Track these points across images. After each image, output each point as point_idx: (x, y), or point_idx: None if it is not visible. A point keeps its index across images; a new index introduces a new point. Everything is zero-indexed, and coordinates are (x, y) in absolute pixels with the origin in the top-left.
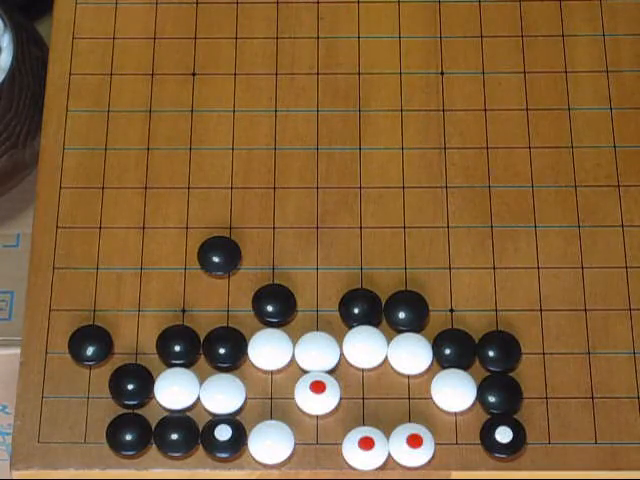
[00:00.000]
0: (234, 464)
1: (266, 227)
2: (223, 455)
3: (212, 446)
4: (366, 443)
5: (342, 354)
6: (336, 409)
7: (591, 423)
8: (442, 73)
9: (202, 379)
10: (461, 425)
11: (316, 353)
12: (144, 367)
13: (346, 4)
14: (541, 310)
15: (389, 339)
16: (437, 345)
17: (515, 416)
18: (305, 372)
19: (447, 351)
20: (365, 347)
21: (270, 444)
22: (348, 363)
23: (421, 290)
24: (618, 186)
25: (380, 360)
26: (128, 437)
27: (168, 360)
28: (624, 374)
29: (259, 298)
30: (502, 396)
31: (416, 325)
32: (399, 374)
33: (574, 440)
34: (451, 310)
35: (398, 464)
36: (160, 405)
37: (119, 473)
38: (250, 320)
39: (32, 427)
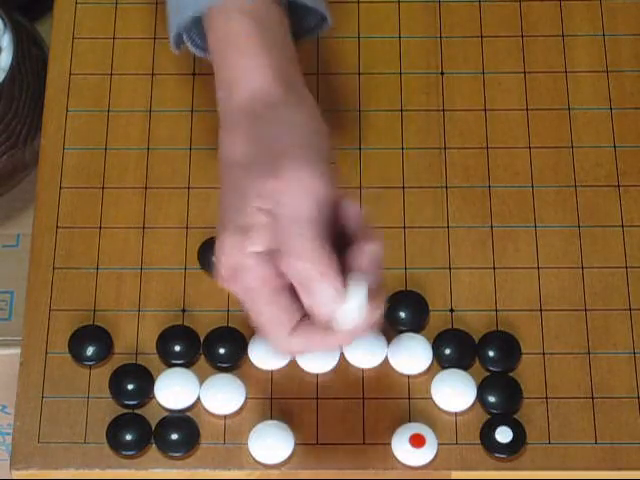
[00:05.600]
0: (234, 464)
1: None
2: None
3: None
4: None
5: (342, 354)
6: (336, 409)
7: (591, 423)
8: (442, 73)
9: (202, 379)
10: (461, 425)
11: (316, 353)
12: (144, 367)
13: (346, 4)
14: (541, 310)
15: (389, 339)
16: (437, 345)
17: (515, 416)
18: (305, 372)
19: (447, 351)
20: (365, 347)
21: (270, 444)
22: (348, 363)
23: (421, 290)
24: (618, 186)
25: (380, 360)
26: (128, 437)
27: (168, 360)
28: (624, 374)
29: None
30: (502, 396)
31: (416, 325)
32: (399, 374)
33: (574, 440)
34: (451, 310)
35: (401, 463)
36: (160, 405)
37: (119, 473)
38: (250, 320)
39: (32, 427)
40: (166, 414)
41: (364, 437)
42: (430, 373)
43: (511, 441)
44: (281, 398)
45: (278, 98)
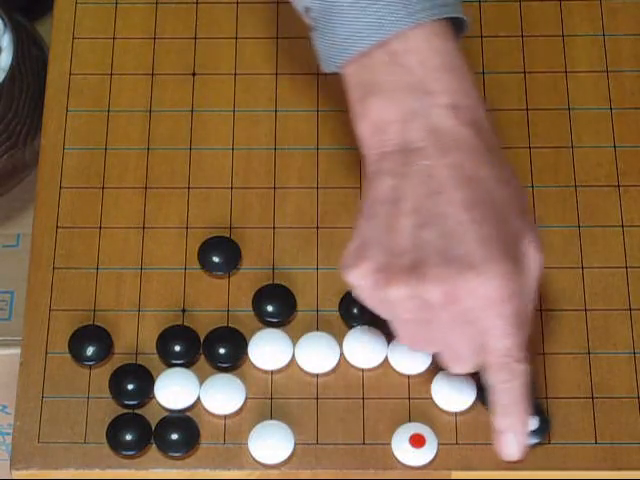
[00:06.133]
0: (234, 464)
1: (266, 227)
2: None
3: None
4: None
5: (342, 354)
6: (336, 409)
7: (591, 423)
8: None
9: (202, 379)
10: (461, 425)
11: (316, 353)
12: (144, 367)
13: None
14: (541, 310)
15: (389, 339)
16: None
17: None
18: (305, 372)
19: None
20: (365, 347)
21: (270, 444)
22: (348, 363)
23: None
24: (618, 186)
25: (380, 360)
26: (128, 437)
27: (168, 360)
28: (624, 374)
29: (259, 298)
30: None
31: None
32: (399, 374)
33: (574, 440)
34: None
35: (401, 463)
36: (160, 405)
37: (119, 473)
38: (250, 320)
39: (32, 427)
40: (166, 414)
41: (364, 437)
42: (430, 373)
43: None
44: (281, 398)
45: (476, 144)
